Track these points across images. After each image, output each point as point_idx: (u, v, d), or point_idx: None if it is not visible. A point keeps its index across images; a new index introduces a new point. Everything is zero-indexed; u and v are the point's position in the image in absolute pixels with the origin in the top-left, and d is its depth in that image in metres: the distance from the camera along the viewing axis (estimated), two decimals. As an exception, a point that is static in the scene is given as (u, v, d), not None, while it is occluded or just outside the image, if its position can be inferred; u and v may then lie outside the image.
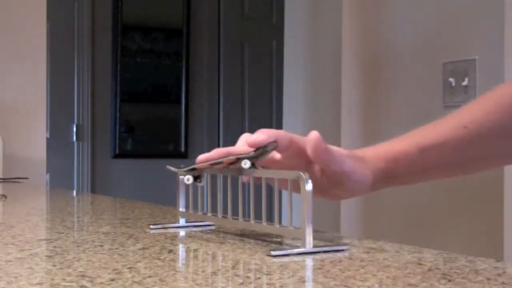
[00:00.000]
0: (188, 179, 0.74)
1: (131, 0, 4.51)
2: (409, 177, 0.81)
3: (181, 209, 0.78)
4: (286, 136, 0.73)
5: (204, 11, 4.70)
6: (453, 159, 0.81)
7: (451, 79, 2.04)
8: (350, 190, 0.75)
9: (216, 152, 0.72)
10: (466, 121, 0.81)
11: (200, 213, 0.75)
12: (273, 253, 0.59)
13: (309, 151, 0.72)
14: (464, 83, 2.00)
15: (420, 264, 0.57)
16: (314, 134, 0.72)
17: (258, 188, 0.65)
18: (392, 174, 0.78)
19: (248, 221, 0.68)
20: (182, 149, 4.60)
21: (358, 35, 2.50)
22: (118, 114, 4.46)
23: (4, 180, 2.06)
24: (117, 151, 4.47)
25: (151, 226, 0.78)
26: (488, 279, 0.51)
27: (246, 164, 0.68)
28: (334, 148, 0.74)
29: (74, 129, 4.38)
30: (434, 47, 2.13)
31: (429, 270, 0.54)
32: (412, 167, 0.79)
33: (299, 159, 0.74)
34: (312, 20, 3.24)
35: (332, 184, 0.74)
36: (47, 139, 2.70)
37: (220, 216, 0.72)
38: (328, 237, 0.73)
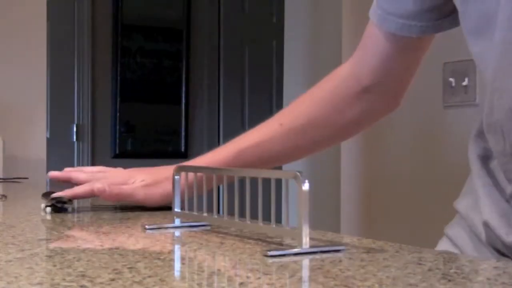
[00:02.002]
0: (48, 210, 0.95)
1: (131, 0, 4.51)
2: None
3: (177, 209, 0.78)
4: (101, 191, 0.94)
5: (204, 11, 4.70)
6: (271, 153, 1.00)
7: (451, 79, 2.04)
8: (153, 204, 0.97)
9: (64, 174, 1.02)
10: (283, 118, 1.01)
11: (195, 213, 0.76)
12: (269, 253, 0.59)
13: (101, 196, 0.94)
14: (464, 83, 2.00)
15: (420, 264, 0.57)
16: (97, 188, 0.93)
17: (254, 187, 0.65)
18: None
19: (244, 221, 0.68)
20: (182, 149, 4.60)
21: (358, 35, 2.50)
22: (118, 114, 4.46)
23: (4, 180, 2.07)
24: (117, 151, 4.47)
25: (146, 227, 0.78)
26: (488, 279, 0.51)
27: (46, 210, 0.94)
28: (128, 183, 0.96)
29: (74, 129, 4.39)
30: (434, 47, 2.12)
31: (429, 270, 0.54)
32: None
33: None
34: (312, 20, 3.24)
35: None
36: (47, 139, 2.70)
37: (216, 216, 0.73)
38: (328, 237, 0.73)
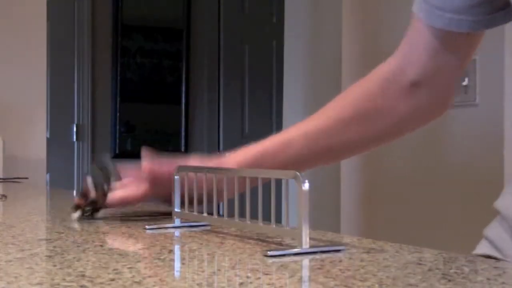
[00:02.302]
0: (78, 212, 0.88)
1: (131, 0, 4.51)
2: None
3: (176, 209, 0.78)
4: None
5: (204, 11, 4.70)
6: (319, 145, 0.93)
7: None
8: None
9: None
10: (330, 111, 0.96)
11: (195, 213, 0.76)
12: (269, 253, 0.59)
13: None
14: (464, 83, 2.00)
15: (420, 264, 0.57)
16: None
17: (254, 187, 0.65)
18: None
19: (244, 221, 0.68)
20: (182, 149, 4.60)
21: (358, 35, 2.50)
22: (118, 114, 4.46)
23: (4, 180, 2.07)
24: (117, 151, 4.47)
25: (146, 227, 0.78)
26: (488, 279, 0.51)
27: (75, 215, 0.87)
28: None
29: (74, 129, 4.39)
30: (434, 47, 2.13)
31: (429, 270, 0.54)
32: (279, 158, 0.91)
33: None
34: (312, 20, 3.24)
35: None
36: (47, 139, 2.70)
37: (216, 216, 0.73)
38: (328, 237, 0.73)
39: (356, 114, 0.94)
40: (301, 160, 0.92)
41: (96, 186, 0.87)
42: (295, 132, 0.94)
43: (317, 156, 0.95)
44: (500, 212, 0.84)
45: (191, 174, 0.77)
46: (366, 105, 0.95)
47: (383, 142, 0.99)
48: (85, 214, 0.87)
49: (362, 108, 0.95)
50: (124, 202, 0.89)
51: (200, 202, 0.75)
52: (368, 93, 0.96)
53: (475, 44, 0.89)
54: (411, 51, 0.93)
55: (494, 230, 0.84)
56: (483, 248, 0.85)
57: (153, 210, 0.98)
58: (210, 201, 0.74)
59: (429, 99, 0.94)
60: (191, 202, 0.77)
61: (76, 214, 0.87)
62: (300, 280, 0.51)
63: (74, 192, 0.95)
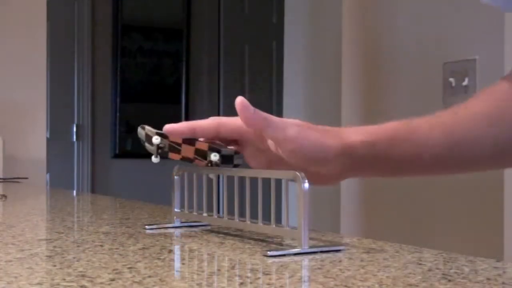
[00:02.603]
0: (157, 138, 0.75)
1: (131, 0, 4.51)
2: (393, 160, 0.73)
3: (176, 209, 0.78)
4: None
5: (204, 11, 4.70)
6: (439, 140, 0.75)
7: (451, 79, 2.04)
8: (307, 163, 0.70)
9: (183, 126, 0.75)
10: (457, 109, 0.78)
11: (195, 213, 0.76)
12: (269, 253, 0.59)
13: (240, 117, 0.74)
14: (464, 83, 2.00)
15: (420, 264, 0.57)
16: (238, 98, 0.75)
17: (254, 187, 0.65)
18: (375, 153, 0.71)
19: (244, 221, 0.68)
20: (182, 149, 4.60)
21: (358, 35, 2.50)
22: (118, 114, 4.46)
23: (4, 180, 2.07)
24: (117, 151, 4.47)
25: (146, 227, 0.78)
26: (488, 279, 0.51)
27: (216, 156, 0.73)
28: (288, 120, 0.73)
29: (74, 129, 4.39)
30: (434, 47, 2.13)
31: (429, 270, 0.54)
32: (397, 141, 0.73)
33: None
34: (312, 20, 3.24)
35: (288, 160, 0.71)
36: (47, 139, 2.70)
37: (216, 216, 0.73)
38: (328, 237, 0.73)
39: (488, 116, 0.78)
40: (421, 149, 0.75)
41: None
42: (418, 121, 0.77)
43: (435, 151, 0.75)
44: None
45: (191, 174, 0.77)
46: (500, 106, 0.79)
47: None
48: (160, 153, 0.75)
49: (496, 111, 0.78)
50: (191, 129, 0.75)
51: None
52: (503, 97, 0.79)
53: None
54: None
55: None
56: None
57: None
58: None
59: None
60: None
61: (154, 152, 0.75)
62: (300, 280, 0.51)
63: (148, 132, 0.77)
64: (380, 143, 0.72)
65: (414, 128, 0.75)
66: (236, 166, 0.73)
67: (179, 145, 0.74)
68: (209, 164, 0.73)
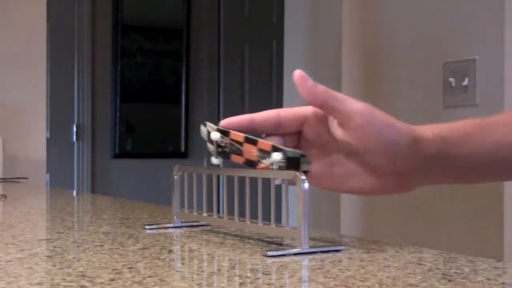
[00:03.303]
0: (216, 134, 0.67)
1: (131, 0, 4.51)
2: (465, 159, 0.66)
3: (176, 209, 0.78)
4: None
5: (204, 11, 4.70)
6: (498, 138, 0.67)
7: (451, 79, 2.04)
8: (378, 148, 0.62)
9: (241, 117, 0.69)
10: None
11: (195, 213, 0.76)
12: (269, 253, 0.59)
13: (300, 89, 0.66)
14: (464, 83, 2.00)
15: (420, 264, 0.57)
16: (296, 71, 0.66)
17: (254, 187, 0.65)
18: (446, 148, 0.64)
19: (244, 221, 0.68)
20: (182, 149, 4.60)
21: (358, 35, 2.50)
22: (118, 114, 4.46)
23: (4, 180, 2.06)
24: (117, 151, 4.47)
25: (146, 227, 0.78)
26: (488, 279, 0.51)
27: (279, 155, 0.63)
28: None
29: (74, 129, 4.39)
30: (434, 47, 2.13)
31: (429, 270, 0.54)
32: (471, 136, 0.66)
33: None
34: (312, 20, 3.24)
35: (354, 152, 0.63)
36: (47, 139, 2.70)
37: (216, 216, 0.73)
38: (328, 237, 0.73)
39: None
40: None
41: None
42: (485, 119, 0.69)
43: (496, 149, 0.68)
44: None
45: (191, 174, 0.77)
46: None
47: None
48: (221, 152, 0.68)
49: None
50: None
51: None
52: None
53: None
54: None
55: None
56: None
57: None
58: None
59: None
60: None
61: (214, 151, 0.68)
62: (300, 280, 0.51)
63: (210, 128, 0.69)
64: (452, 137, 0.65)
65: (489, 124, 0.68)
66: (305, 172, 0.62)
67: (241, 144, 0.66)
68: (272, 167, 0.64)
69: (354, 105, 0.63)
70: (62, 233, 0.79)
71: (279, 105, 3.83)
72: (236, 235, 0.72)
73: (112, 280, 0.49)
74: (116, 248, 0.65)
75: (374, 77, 2.43)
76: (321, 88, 0.66)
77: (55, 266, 0.56)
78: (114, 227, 0.81)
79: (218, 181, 0.74)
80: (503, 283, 0.50)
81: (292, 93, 3.37)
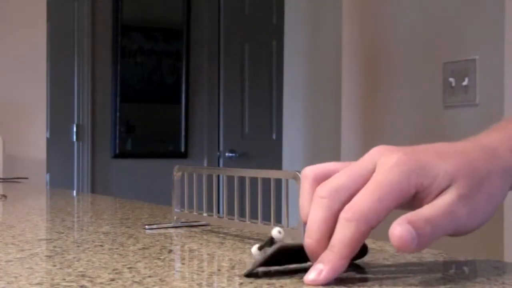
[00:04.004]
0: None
1: (131, 0, 4.51)
2: None
3: (176, 209, 0.78)
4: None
5: (204, 11, 4.70)
6: None
7: (451, 79, 2.04)
8: (474, 228, 0.52)
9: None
10: None
11: (195, 213, 0.76)
12: None
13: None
14: (464, 83, 2.00)
15: (420, 264, 0.57)
16: (396, 237, 0.49)
17: (254, 187, 0.65)
18: None
19: (244, 221, 0.68)
20: (182, 149, 4.60)
21: (358, 35, 2.50)
22: (118, 114, 4.46)
23: (4, 180, 2.06)
24: (117, 151, 4.47)
25: (146, 227, 0.78)
26: (488, 279, 0.51)
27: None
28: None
29: (74, 129, 4.39)
30: (434, 47, 2.13)
31: (429, 270, 0.54)
32: None
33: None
34: (312, 20, 3.24)
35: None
36: (47, 139, 2.70)
37: (216, 216, 0.73)
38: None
39: None
40: None
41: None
42: None
43: None
44: None
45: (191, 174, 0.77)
46: None
47: None
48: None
49: None
50: None
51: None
52: None
53: None
54: None
55: None
56: None
57: None
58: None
59: None
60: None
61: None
62: (300, 280, 0.51)
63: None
64: None
65: None
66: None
67: None
68: None
69: (459, 221, 0.50)
70: (62, 233, 0.79)
71: (279, 105, 3.83)
72: (236, 235, 0.72)
73: (112, 280, 0.49)
74: (116, 248, 0.65)
75: (374, 77, 2.43)
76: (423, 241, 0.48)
77: (55, 266, 0.56)
78: (114, 227, 0.81)
79: (218, 181, 0.74)
80: (503, 283, 0.50)
81: (292, 93, 3.37)
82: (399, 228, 0.48)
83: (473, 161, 0.52)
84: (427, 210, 0.49)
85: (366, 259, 0.59)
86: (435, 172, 0.50)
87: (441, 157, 0.51)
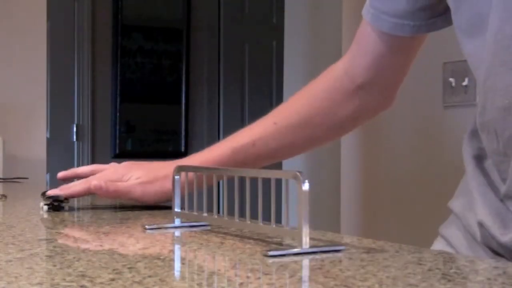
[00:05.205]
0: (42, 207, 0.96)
1: (131, 0, 4.51)
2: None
3: (176, 209, 0.78)
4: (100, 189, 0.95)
5: (204, 11, 4.70)
6: (267, 151, 1.00)
7: (451, 79, 2.04)
8: (150, 202, 0.97)
9: (64, 174, 1.06)
10: (277, 117, 1.02)
11: (195, 213, 0.76)
12: (269, 253, 0.59)
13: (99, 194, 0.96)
14: (464, 83, 2.00)
15: (420, 264, 0.57)
16: (94, 185, 0.94)
17: (254, 187, 0.65)
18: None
19: (244, 221, 0.68)
20: (182, 149, 4.60)
21: (358, 35, 2.50)
22: (118, 114, 4.46)
23: (4, 180, 2.07)
24: (117, 151, 4.47)
25: (146, 227, 0.78)
26: (488, 279, 0.51)
27: (43, 208, 0.95)
28: (128, 178, 0.97)
29: (74, 129, 4.39)
30: (434, 47, 2.13)
31: (429, 270, 0.54)
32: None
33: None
34: (312, 20, 3.24)
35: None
36: (47, 139, 2.70)
37: (216, 216, 0.73)
38: (328, 237, 0.73)
39: (302, 121, 1.01)
40: (247, 165, 0.99)
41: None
42: (243, 139, 1.01)
43: (262, 161, 1.01)
44: (454, 211, 0.87)
45: (190, 174, 0.78)
46: (311, 112, 1.01)
47: (325, 142, 1.06)
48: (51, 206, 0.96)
49: (307, 115, 1.01)
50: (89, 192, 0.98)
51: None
52: (313, 100, 1.02)
53: (418, 46, 0.96)
54: (359, 54, 0.97)
55: (448, 228, 0.88)
56: (439, 245, 0.88)
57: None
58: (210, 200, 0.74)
59: (372, 100, 1.00)
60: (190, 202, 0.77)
61: (45, 208, 0.96)
62: (300, 280, 0.51)
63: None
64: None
65: (236, 152, 1.01)
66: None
67: None
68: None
69: (134, 195, 0.97)
70: (62, 233, 0.79)
71: (279, 105, 3.83)
72: (236, 235, 0.72)
73: (112, 280, 0.49)
74: (116, 248, 0.65)
75: (374, 77, 2.43)
76: (110, 190, 0.95)
77: (55, 266, 0.56)
78: (114, 227, 0.81)
79: (218, 181, 0.74)
80: (503, 283, 0.50)
81: (292, 93, 3.37)
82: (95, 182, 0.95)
83: (156, 168, 0.98)
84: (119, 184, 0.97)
85: (367, 259, 0.59)
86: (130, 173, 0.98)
87: (138, 168, 0.99)
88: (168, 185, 0.95)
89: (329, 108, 1.00)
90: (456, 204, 0.87)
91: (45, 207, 0.96)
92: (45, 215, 0.93)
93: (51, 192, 0.98)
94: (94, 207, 1.08)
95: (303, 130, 1.01)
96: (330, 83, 1.02)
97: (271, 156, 1.03)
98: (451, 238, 0.86)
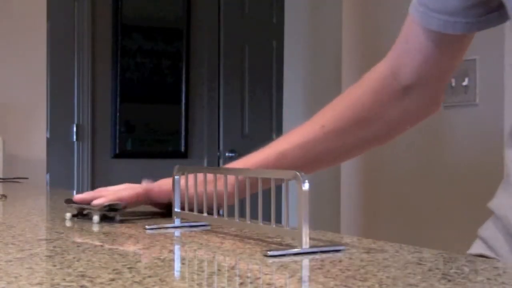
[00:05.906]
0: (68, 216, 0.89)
1: (131, 0, 4.51)
2: None
3: (177, 209, 0.78)
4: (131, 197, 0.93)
5: (204, 11, 4.70)
6: (315, 155, 0.96)
7: (451, 79, 2.04)
8: (165, 199, 0.96)
9: (88, 194, 0.92)
10: (323, 120, 0.97)
11: (195, 213, 0.76)
12: (269, 253, 0.59)
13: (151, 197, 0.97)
14: (464, 83, 2.00)
15: (420, 264, 0.57)
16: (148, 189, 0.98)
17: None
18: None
19: (244, 221, 0.68)
20: (182, 149, 4.60)
21: (358, 35, 2.50)
22: (118, 114, 4.46)
23: (4, 180, 2.07)
24: (117, 151, 4.47)
25: (146, 227, 0.78)
26: (488, 279, 0.51)
27: (95, 219, 0.86)
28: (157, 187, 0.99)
29: (74, 129, 4.39)
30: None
31: (429, 270, 0.54)
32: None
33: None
34: (312, 20, 3.24)
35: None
36: (47, 139, 2.70)
37: (216, 216, 0.73)
38: (328, 237, 0.73)
39: (348, 125, 0.96)
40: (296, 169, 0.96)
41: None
42: (288, 144, 0.96)
43: (311, 165, 0.98)
44: (494, 212, 0.84)
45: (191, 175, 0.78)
46: (358, 115, 0.97)
47: (372, 146, 1.02)
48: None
49: (353, 118, 0.97)
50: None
51: (200, 203, 0.75)
52: (359, 103, 0.97)
53: (467, 45, 0.91)
54: (406, 54, 0.93)
55: (488, 230, 0.85)
56: (477, 248, 0.85)
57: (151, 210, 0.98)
58: (210, 204, 0.74)
59: (420, 100, 0.95)
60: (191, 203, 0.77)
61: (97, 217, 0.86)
62: (300, 280, 0.51)
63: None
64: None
65: (285, 155, 0.96)
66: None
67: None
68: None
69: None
70: (62, 233, 0.79)
71: (279, 105, 3.83)
72: (236, 235, 0.72)
73: (112, 280, 0.49)
74: (116, 248, 0.65)
75: (374, 77, 2.43)
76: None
77: (55, 266, 0.56)
78: (114, 227, 0.81)
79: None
80: (503, 283, 0.50)
81: (292, 93, 3.37)
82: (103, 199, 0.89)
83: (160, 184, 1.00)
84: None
85: (367, 259, 0.59)
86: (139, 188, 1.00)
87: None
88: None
89: (376, 111, 0.96)
90: (497, 204, 0.84)
91: (68, 215, 0.89)
92: (76, 224, 0.92)
93: (99, 201, 0.87)
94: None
95: (349, 134, 0.97)
96: (375, 85, 0.97)
97: (319, 161, 0.98)
98: (491, 240, 0.83)
